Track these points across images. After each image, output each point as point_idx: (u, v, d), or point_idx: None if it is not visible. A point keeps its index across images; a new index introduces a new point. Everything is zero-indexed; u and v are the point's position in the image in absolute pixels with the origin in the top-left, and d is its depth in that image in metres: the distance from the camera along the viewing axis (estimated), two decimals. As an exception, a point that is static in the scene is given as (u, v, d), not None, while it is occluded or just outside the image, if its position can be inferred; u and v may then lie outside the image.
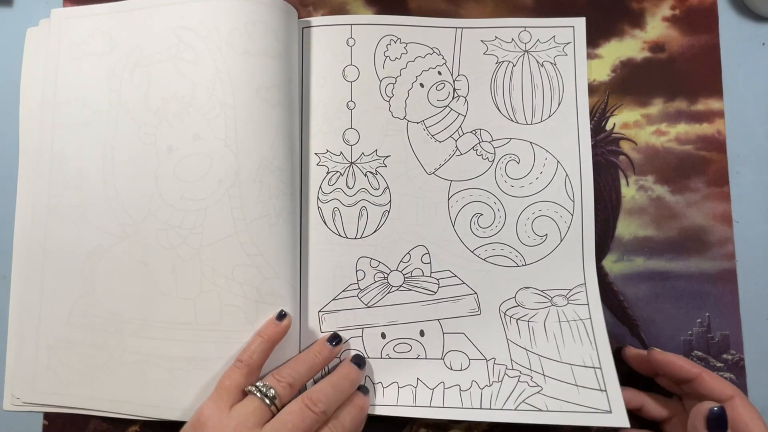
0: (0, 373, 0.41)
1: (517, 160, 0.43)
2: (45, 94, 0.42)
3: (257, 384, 0.36)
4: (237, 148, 0.39)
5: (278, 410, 0.35)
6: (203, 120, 0.40)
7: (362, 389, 0.39)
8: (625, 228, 0.43)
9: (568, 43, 0.44)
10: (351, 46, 0.44)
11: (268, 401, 0.35)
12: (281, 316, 0.38)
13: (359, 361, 0.39)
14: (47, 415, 0.41)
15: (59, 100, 0.42)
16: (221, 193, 0.39)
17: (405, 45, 0.44)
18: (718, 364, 0.42)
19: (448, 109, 0.44)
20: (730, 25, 0.45)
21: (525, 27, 0.44)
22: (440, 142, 0.43)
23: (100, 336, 0.39)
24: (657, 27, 0.45)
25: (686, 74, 0.44)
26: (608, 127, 0.44)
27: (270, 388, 0.36)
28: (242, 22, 0.40)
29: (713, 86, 0.44)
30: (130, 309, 0.39)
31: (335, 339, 0.40)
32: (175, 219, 0.39)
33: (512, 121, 0.43)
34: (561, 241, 0.42)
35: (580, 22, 0.44)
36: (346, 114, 0.43)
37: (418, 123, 0.43)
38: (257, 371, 0.37)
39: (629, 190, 0.43)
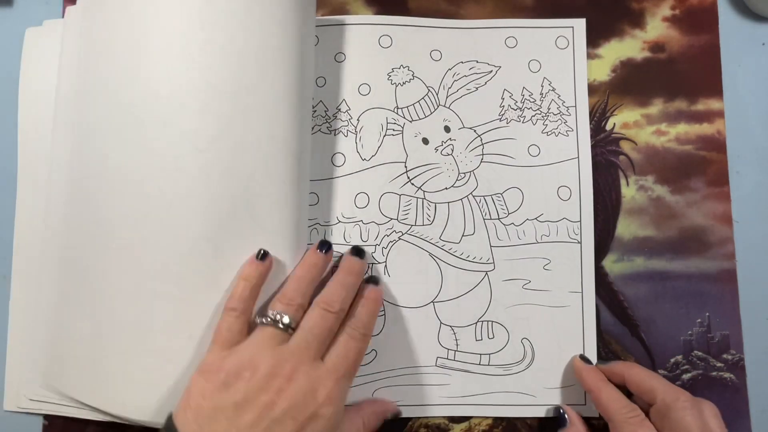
0: (0, 373, 0.41)
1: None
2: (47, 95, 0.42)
3: (267, 313, 0.34)
4: None
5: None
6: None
7: (372, 280, 0.38)
8: (625, 228, 0.43)
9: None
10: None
11: (282, 327, 0.34)
12: (262, 255, 0.36)
13: (358, 252, 0.38)
14: (47, 415, 0.41)
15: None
16: None
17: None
18: (718, 364, 0.42)
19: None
20: (730, 25, 0.45)
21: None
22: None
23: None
24: (657, 27, 0.45)
25: (686, 74, 0.44)
26: (608, 127, 0.44)
27: (282, 314, 0.34)
28: None
29: (713, 86, 0.44)
30: None
31: (324, 246, 0.38)
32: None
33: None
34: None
35: (579, 23, 0.44)
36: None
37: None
38: (250, 315, 0.35)
39: (629, 190, 0.43)
